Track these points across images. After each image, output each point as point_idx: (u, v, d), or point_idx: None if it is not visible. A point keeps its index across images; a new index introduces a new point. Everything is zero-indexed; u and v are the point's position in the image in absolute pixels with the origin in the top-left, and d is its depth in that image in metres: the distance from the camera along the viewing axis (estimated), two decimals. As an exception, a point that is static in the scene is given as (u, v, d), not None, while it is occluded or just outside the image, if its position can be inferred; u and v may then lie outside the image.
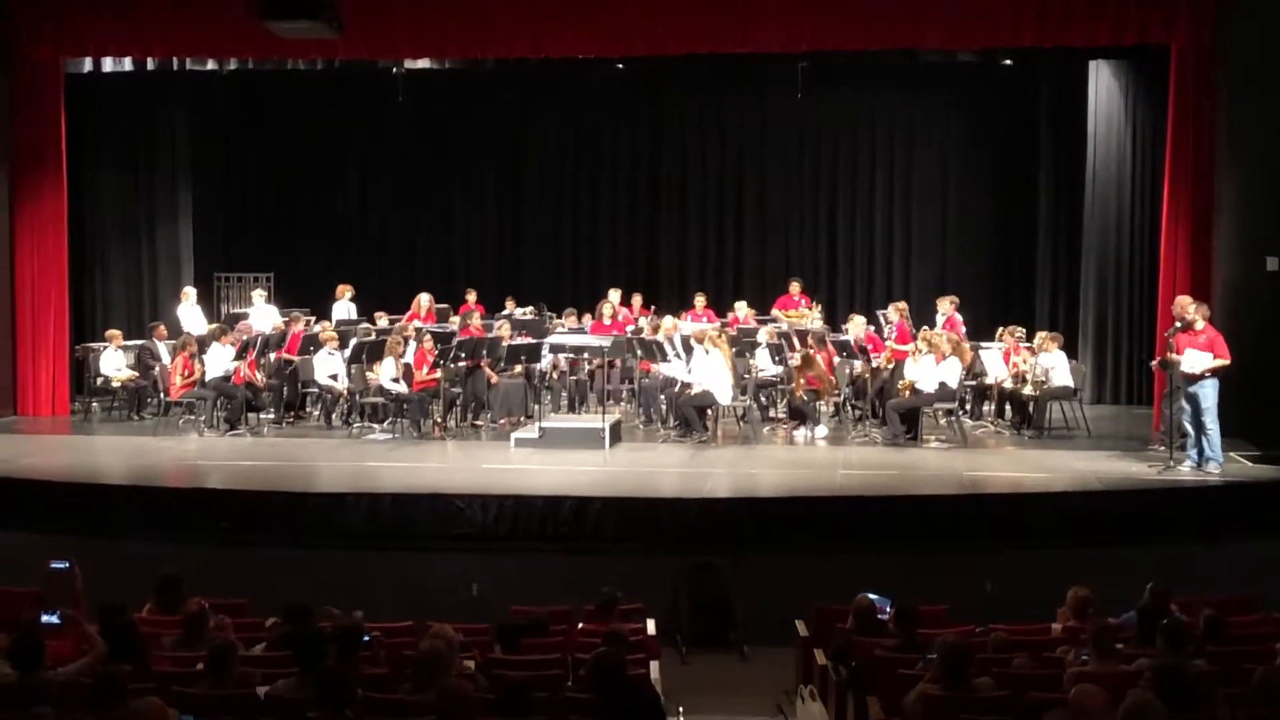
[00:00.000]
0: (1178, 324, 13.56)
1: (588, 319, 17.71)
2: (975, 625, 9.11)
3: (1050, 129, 18.96)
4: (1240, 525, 12.22)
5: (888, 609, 8.93)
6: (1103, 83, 17.69)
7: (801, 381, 15.20)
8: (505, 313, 17.75)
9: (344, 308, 18.15)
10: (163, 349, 16.65)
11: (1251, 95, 14.30)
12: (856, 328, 15.98)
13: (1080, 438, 15.20)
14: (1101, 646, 7.50)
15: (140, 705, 6.13)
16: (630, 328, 17.25)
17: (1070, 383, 15.29)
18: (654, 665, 8.65)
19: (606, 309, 17.31)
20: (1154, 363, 14.21)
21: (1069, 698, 6.22)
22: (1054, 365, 15.13)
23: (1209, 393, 12.81)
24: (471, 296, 17.66)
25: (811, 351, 15.28)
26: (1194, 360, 12.79)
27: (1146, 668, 6.99)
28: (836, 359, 15.53)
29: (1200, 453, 12.96)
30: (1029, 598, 10.11)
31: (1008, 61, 17.49)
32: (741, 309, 17.86)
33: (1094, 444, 14.81)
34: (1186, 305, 13.57)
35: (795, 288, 18.16)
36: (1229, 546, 11.85)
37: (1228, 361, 12.72)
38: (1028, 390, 15.27)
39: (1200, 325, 12.84)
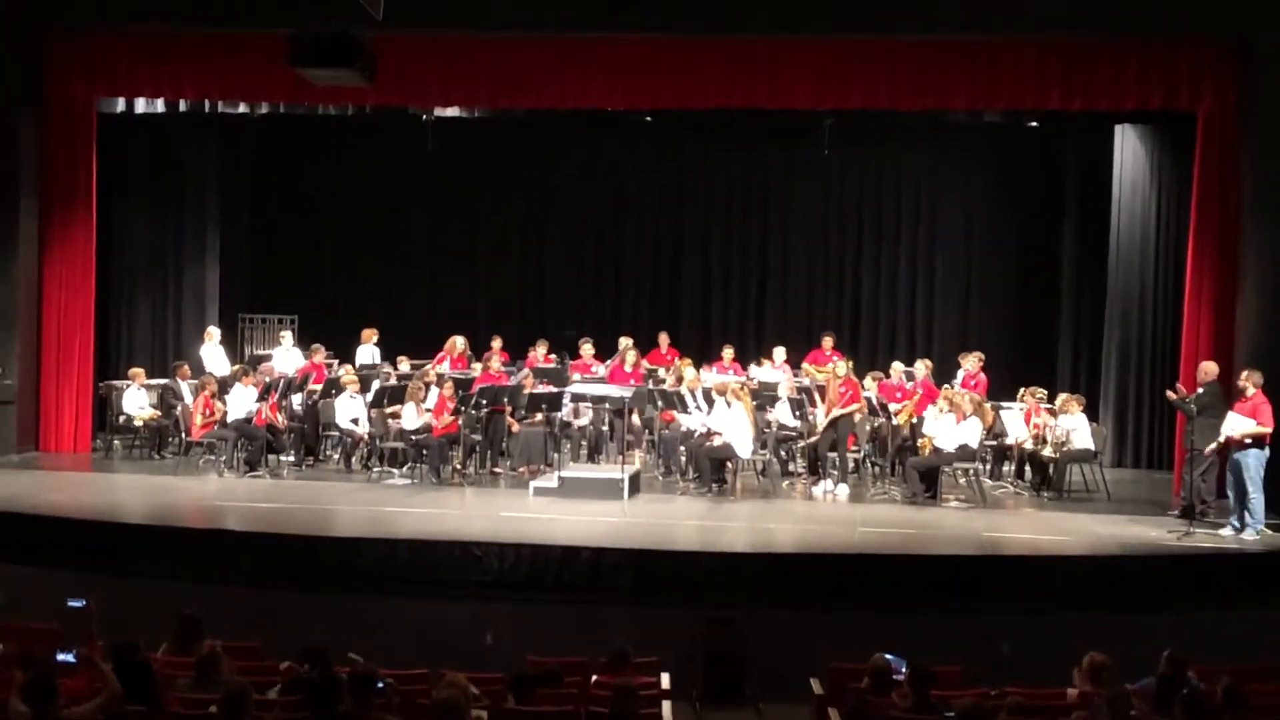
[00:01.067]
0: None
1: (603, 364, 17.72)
2: (990, 688, 9.06)
3: (1075, 191, 19.00)
4: (1260, 593, 12.15)
5: (903, 669, 8.89)
6: (1128, 146, 17.74)
7: (834, 400, 15.16)
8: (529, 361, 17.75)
9: (369, 352, 18.22)
10: (185, 388, 16.72)
11: (1277, 163, 14.30)
12: (894, 372, 16.67)
13: (1100, 501, 15.14)
14: (1118, 714, 7.44)
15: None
16: (655, 374, 17.26)
17: (1091, 445, 15.25)
18: (667, 720, 8.62)
19: (630, 355, 17.30)
20: (1171, 394, 14.21)
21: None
22: (1075, 427, 15.10)
23: (1252, 461, 12.85)
24: (497, 344, 17.69)
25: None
26: (1235, 425, 12.85)
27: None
28: (858, 417, 15.50)
29: (1241, 519, 12.97)
30: (1045, 661, 10.04)
31: (1034, 124, 17.55)
32: (780, 354, 17.84)
33: (1114, 508, 14.75)
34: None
35: (828, 343, 18.09)
36: (1248, 615, 11.76)
37: (1269, 429, 12.75)
38: (1048, 452, 15.23)
39: (1251, 391, 12.91)
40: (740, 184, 20.73)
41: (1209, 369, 13.74)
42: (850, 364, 15.89)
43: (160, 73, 16.64)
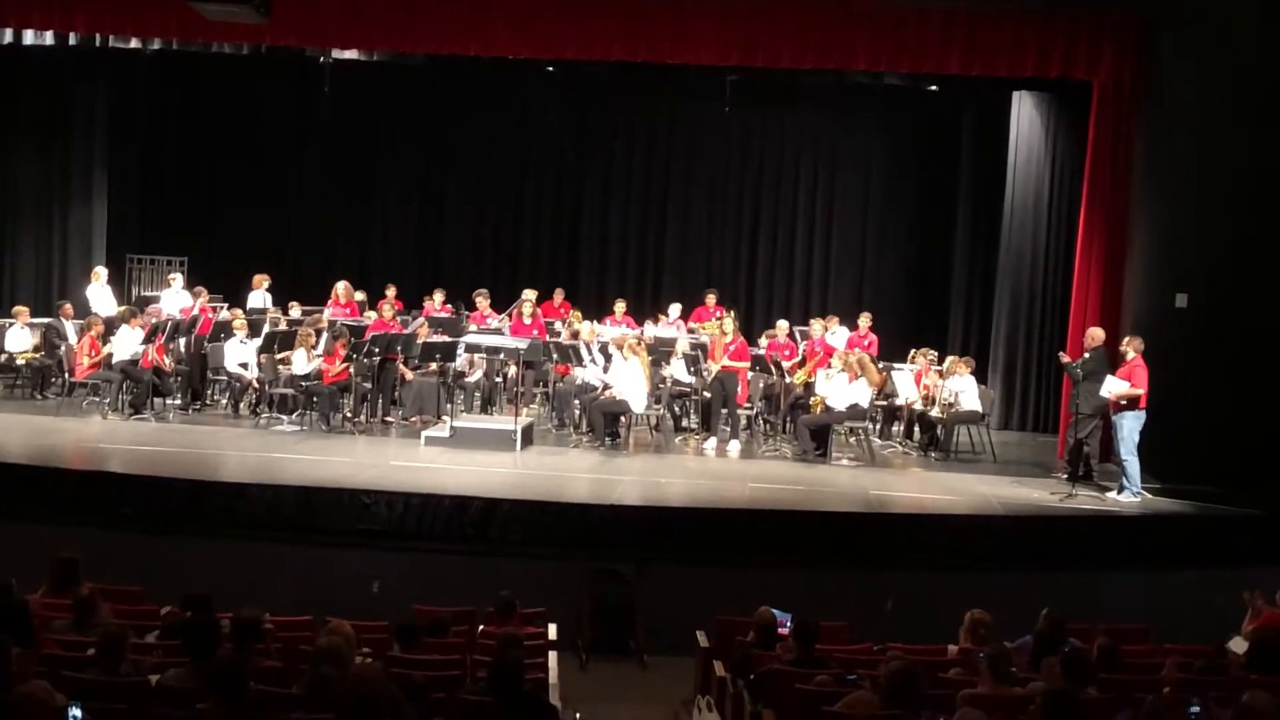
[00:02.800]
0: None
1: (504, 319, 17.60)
2: (873, 643, 9.18)
3: (972, 156, 19.19)
4: (1138, 556, 12.44)
5: (788, 623, 8.98)
6: (1025, 113, 17.93)
7: (720, 356, 15.22)
8: (425, 310, 17.61)
9: (260, 297, 17.92)
10: (69, 328, 16.38)
11: (1168, 135, 14.54)
12: (780, 333, 16.61)
13: (986, 462, 15.38)
14: (996, 671, 7.56)
15: (27, 689, 6.01)
16: (551, 328, 17.20)
17: (978, 407, 15.47)
18: (553, 670, 8.63)
19: (527, 308, 17.20)
20: (1061, 356, 14.48)
21: None
22: (963, 389, 15.32)
23: (1126, 424, 13.18)
24: (391, 292, 17.49)
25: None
26: (1111, 387, 13.14)
27: (1039, 693, 7.06)
28: (750, 373, 15.60)
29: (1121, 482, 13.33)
30: (928, 618, 10.20)
31: (933, 87, 17.67)
32: (675, 311, 17.85)
33: (999, 469, 15.00)
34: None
35: (711, 299, 18.18)
36: (1126, 576, 12.05)
37: (1140, 392, 13.06)
38: (936, 412, 15.44)
39: (1131, 356, 13.20)
40: (642, 139, 20.71)
41: (1096, 335, 14.00)
42: (734, 316, 15.97)
43: (50, 4, 16.14)
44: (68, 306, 16.87)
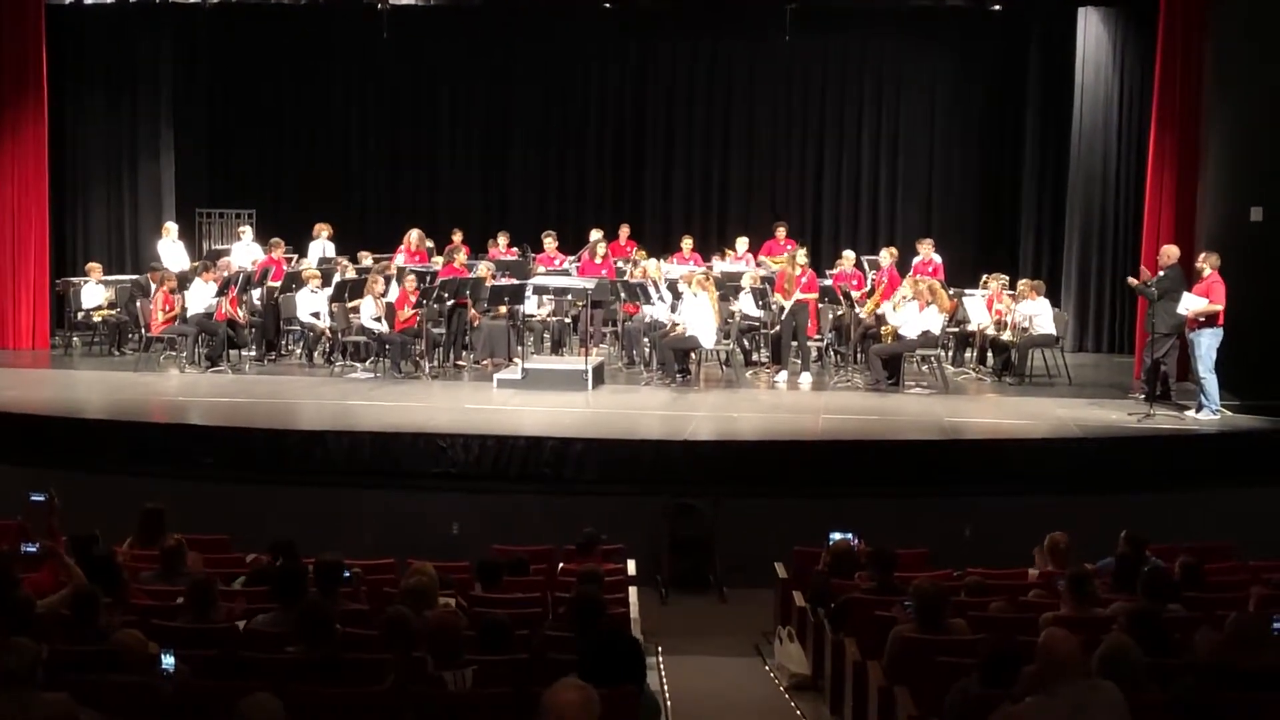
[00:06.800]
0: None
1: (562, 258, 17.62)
2: (953, 569, 9.17)
3: (1038, 76, 18.87)
4: (1218, 474, 12.31)
5: (854, 543, 9.06)
6: (1092, 30, 17.61)
7: (790, 289, 15.16)
8: (491, 254, 17.66)
9: (320, 246, 17.98)
10: (153, 286, 16.53)
11: (1238, 45, 14.24)
12: (847, 263, 16.52)
13: (1061, 385, 15.24)
14: (1077, 592, 7.53)
15: (121, 638, 6.14)
16: (619, 267, 17.20)
17: (1052, 330, 15.33)
18: (633, 605, 8.69)
19: (600, 248, 17.18)
20: (1133, 279, 14.21)
21: (1038, 642, 6.21)
22: (1037, 312, 15.16)
23: (1203, 341, 12.95)
24: (458, 237, 17.56)
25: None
26: (1189, 304, 12.95)
27: (1122, 613, 7.04)
28: (819, 304, 15.53)
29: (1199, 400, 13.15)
30: (1007, 543, 10.15)
31: (997, 6, 17.40)
32: (742, 245, 17.82)
33: (1075, 391, 14.84)
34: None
35: (781, 232, 18.07)
36: (1206, 495, 11.92)
37: (1219, 308, 12.83)
38: (1009, 337, 15.31)
39: (1207, 273, 12.99)
40: (702, 72, 20.53)
41: (1170, 252, 13.76)
42: (805, 251, 15.86)
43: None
44: (158, 271, 16.91)
